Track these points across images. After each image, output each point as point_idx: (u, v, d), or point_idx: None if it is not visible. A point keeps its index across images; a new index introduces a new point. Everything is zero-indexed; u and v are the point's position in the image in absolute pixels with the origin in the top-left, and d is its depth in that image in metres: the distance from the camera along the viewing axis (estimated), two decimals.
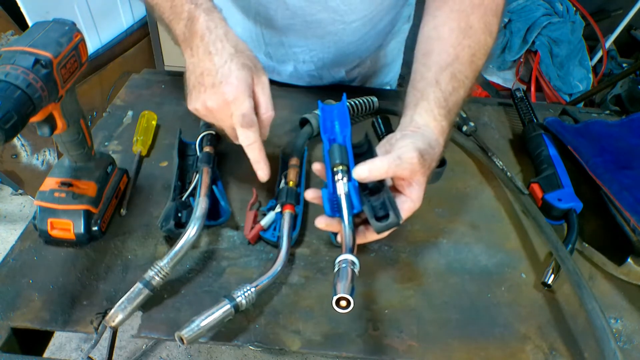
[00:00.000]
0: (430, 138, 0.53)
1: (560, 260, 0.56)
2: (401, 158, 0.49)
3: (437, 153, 0.53)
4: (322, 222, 0.52)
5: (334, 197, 0.52)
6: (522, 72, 2.22)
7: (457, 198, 0.69)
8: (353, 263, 0.45)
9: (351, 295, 0.42)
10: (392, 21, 0.85)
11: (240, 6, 0.80)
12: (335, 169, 0.52)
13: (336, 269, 0.45)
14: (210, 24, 0.54)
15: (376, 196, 0.51)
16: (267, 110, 0.57)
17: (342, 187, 0.51)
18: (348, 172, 0.52)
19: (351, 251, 0.47)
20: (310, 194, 0.53)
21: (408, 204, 0.51)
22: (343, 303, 0.42)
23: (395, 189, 0.53)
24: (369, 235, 0.52)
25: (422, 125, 0.54)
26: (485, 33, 0.60)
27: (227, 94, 0.52)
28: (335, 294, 0.42)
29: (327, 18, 0.76)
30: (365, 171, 0.49)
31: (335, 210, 0.52)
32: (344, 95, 0.61)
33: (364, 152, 0.59)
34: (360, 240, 0.52)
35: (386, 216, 0.49)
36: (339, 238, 0.52)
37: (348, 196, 0.50)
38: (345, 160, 0.52)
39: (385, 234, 0.51)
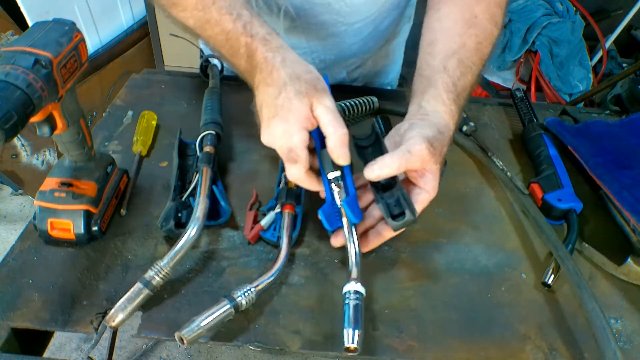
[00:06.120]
0: (439, 124, 0.52)
1: (560, 260, 0.56)
2: (410, 151, 0.48)
3: (447, 137, 0.52)
4: (338, 242, 0.53)
5: (334, 208, 0.53)
6: (522, 72, 2.22)
7: (457, 198, 0.69)
8: (360, 295, 0.47)
9: (357, 341, 0.44)
10: (394, 22, 0.85)
11: None
12: (330, 177, 0.52)
13: (345, 303, 0.47)
14: (267, 54, 0.52)
15: (390, 192, 0.51)
16: (336, 129, 0.50)
17: (339, 199, 0.52)
18: (344, 179, 0.53)
19: (357, 265, 0.49)
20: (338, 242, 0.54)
21: (423, 195, 0.51)
22: (352, 347, 0.44)
23: (408, 181, 0.52)
24: (386, 233, 0.52)
25: (430, 111, 0.53)
26: (491, 23, 0.60)
27: (276, 127, 0.50)
28: (346, 343, 0.44)
29: (330, 20, 0.76)
30: (375, 171, 0.48)
31: (335, 223, 0.53)
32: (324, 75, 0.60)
33: (372, 143, 0.57)
34: (378, 240, 0.52)
35: (402, 214, 0.48)
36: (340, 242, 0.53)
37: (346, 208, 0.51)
38: (337, 166, 0.52)
39: (403, 229, 0.51)
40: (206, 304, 0.48)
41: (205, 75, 0.85)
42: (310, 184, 0.53)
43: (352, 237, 0.52)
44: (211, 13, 0.54)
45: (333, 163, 0.51)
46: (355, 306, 0.46)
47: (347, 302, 0.47)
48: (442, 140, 0.51)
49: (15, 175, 1.61)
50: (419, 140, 0.49)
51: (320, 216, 0.53)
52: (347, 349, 0.44)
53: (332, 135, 0.50)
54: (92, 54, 1.65)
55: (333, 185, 0.52)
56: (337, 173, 0.52)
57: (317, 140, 0.55)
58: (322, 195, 0.55)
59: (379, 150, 0.53)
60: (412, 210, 0.48)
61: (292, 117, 0.49)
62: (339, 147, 0.50)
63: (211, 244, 0.59)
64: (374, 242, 0.55)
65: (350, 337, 0.44)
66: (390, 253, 0.60)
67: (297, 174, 0.51)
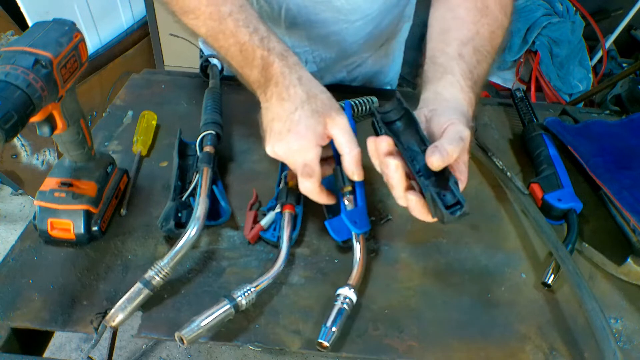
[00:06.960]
0: (463, 110, 0.52)
1: (560, 260, 0.56)
2: (462, 138, 0.47)
3: (470, 126, 0.52)
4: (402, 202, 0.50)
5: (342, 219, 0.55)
6: (522, 72, 2.22)
7: None
8: (349, 301, 0.50)
9: (329, 340, 0.47)
10: (394, 20, 0.85)
11: None
12: (343, 191, 0.55)
13: (334, 303, 0.49)
14: (284, 69, 0.53)
15: (436, 179, 0.50)
16: (350, 149, 0.53)
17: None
18: (354, 192, 0.56)
19: (358, 273, 0.52)
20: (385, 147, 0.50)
21: (460, 185, 0.50)
22: (324, 344, 0.47)
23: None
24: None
25: (450, 98, 0.53)
26: (502, 13, 0.61)
27: (292, 143, 0.52)
28: (320, 338, 0.47)
29: (331, 17, 0.76)
30: (440, 160, 0.46)
31: (345, 234, 0.56)
32: (347, 103, 0.61)
33: (400, 117, 0.54)
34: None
35: (456, 204, 0.47)
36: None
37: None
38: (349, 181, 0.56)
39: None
40: (206, 304, 0.48)
41: (205, 75, 0.85)
42: (321, 197, 0.55)
43: (359, 246, 0.55)
44: (227, 24, 0.55)
45: (346, 178, 0.55)
46: (340, 309, 0.49)
47: (335, 302, 0.49)
48: (471, 129, 0.51)
49: (15, 175, 1.61)
50: (463, 128, 0.48)
51: (327, 228, 0.56)
52: (319, 344, 0.47)
53: (348, 155, 0.53)
54: (92, 54, 1.65)
55: (345, 199, 0.56)
56: (349, 188, 0.56)
57: (336, 157, 0.57)
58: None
59: (411, 124, 0.52)
60: (465, 201, 0.46)
61: (309, 134, 0.51)
62: (353, 166, 0.53)
63: (211, 244, 0.59)
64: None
65: (325, 335, 0.47)
66: (390, 253, 0.60)
67: (311, 187, 0.53)
